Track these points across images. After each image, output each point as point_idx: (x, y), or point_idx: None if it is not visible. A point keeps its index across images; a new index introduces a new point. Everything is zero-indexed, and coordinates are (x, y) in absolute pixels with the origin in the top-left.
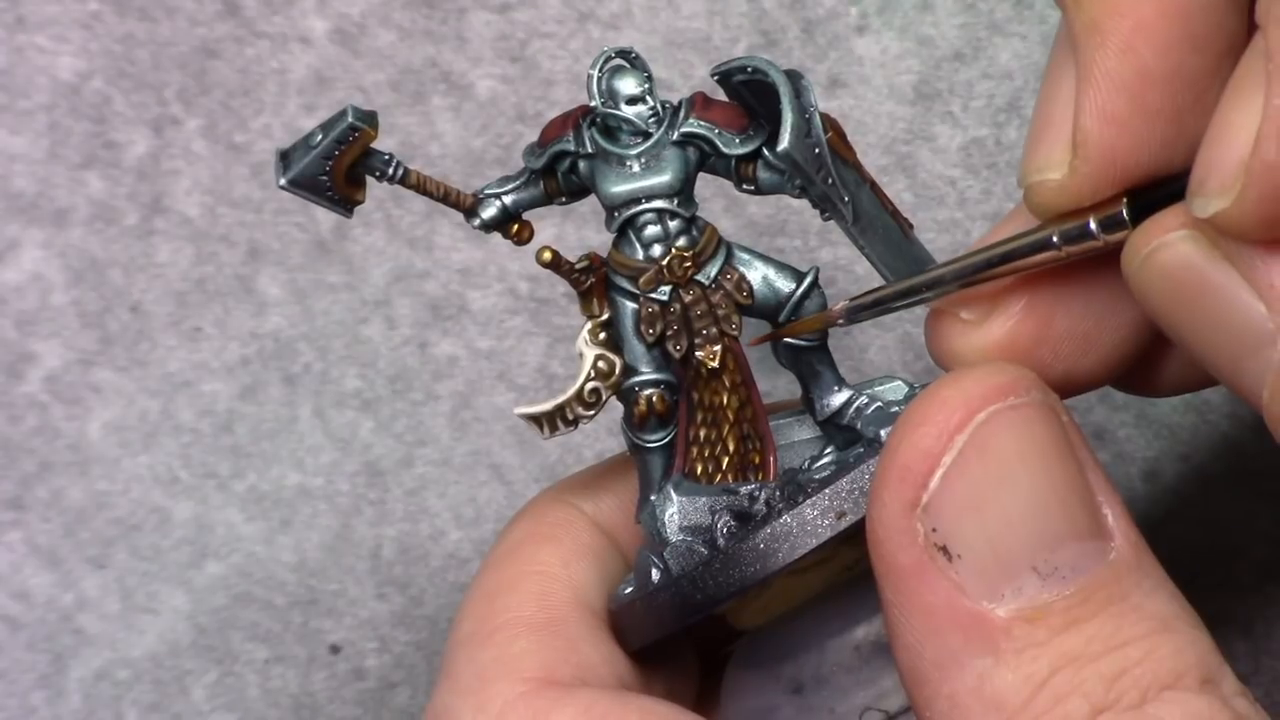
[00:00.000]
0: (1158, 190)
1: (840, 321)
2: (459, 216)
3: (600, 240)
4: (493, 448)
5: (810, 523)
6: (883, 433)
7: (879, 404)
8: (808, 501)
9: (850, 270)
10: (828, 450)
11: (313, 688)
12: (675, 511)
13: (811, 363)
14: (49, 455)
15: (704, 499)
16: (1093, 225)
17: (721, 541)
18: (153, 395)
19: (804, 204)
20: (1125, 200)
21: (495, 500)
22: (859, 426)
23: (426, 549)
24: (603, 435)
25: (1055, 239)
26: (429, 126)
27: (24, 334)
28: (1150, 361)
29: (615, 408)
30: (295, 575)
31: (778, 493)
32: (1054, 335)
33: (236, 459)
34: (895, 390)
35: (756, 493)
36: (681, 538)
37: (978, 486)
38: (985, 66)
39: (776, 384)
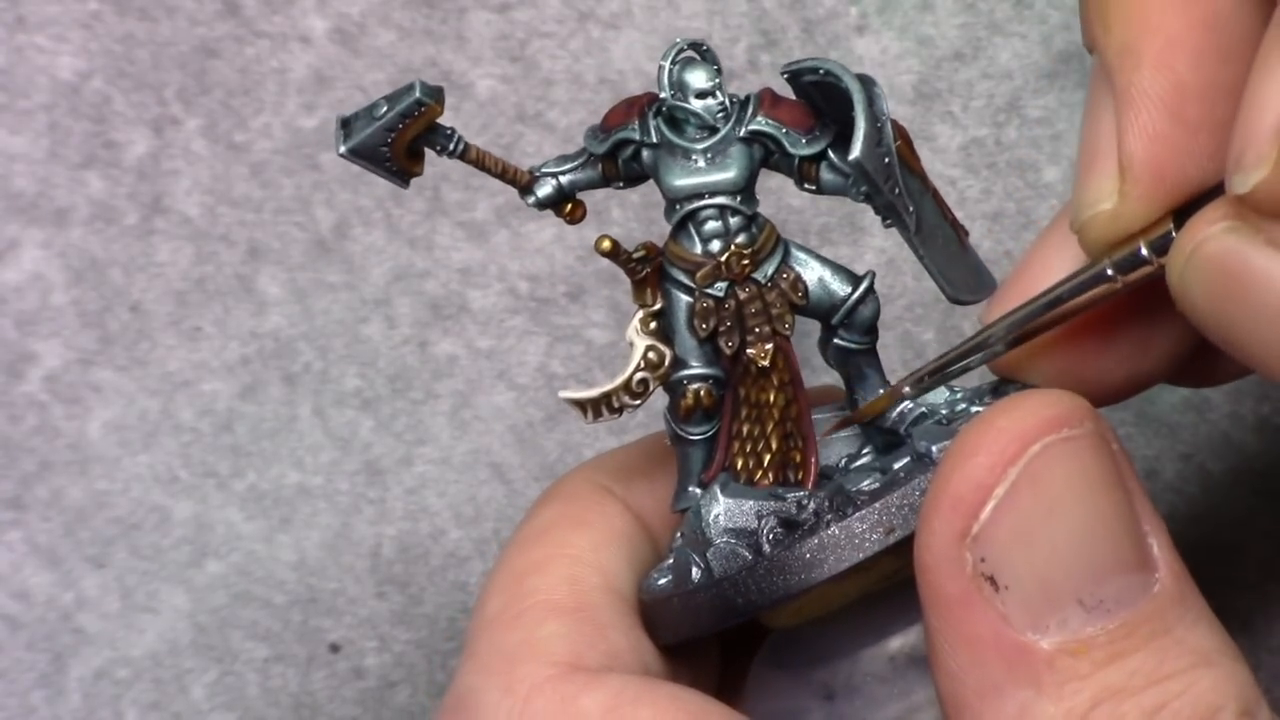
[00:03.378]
0: (1202, 203)
1: (906, 390)
2: (460, 215)
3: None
4: (493, 447)
5: (858, 536)
6: (934, 448)
7: (923, 409)
8: (857, 515)
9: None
10: (865, 450)
11: (312, 687)
12: (721, 512)
13: (860, 365)
14: (49, 455)
15: (751, 502)
16: (1144, 249)
17: (767, 547)
18: (153, 395)
19: (804, 203)
20: (1173, 219)
21: (495, 499)
22: (902, 431)
23: (426, 548)
24: (602, 434)
25: (1110, 271)
26: None
27: (24, 334)
28: (1207, 352)
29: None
30: (295, 574)
31: (827, 502)
32: (1117, 339)
33: (236, 458)
34: (936, 394)
35: (805, 500)
36: (726, 540)
37: (1028, 519)
38: (985, 66)
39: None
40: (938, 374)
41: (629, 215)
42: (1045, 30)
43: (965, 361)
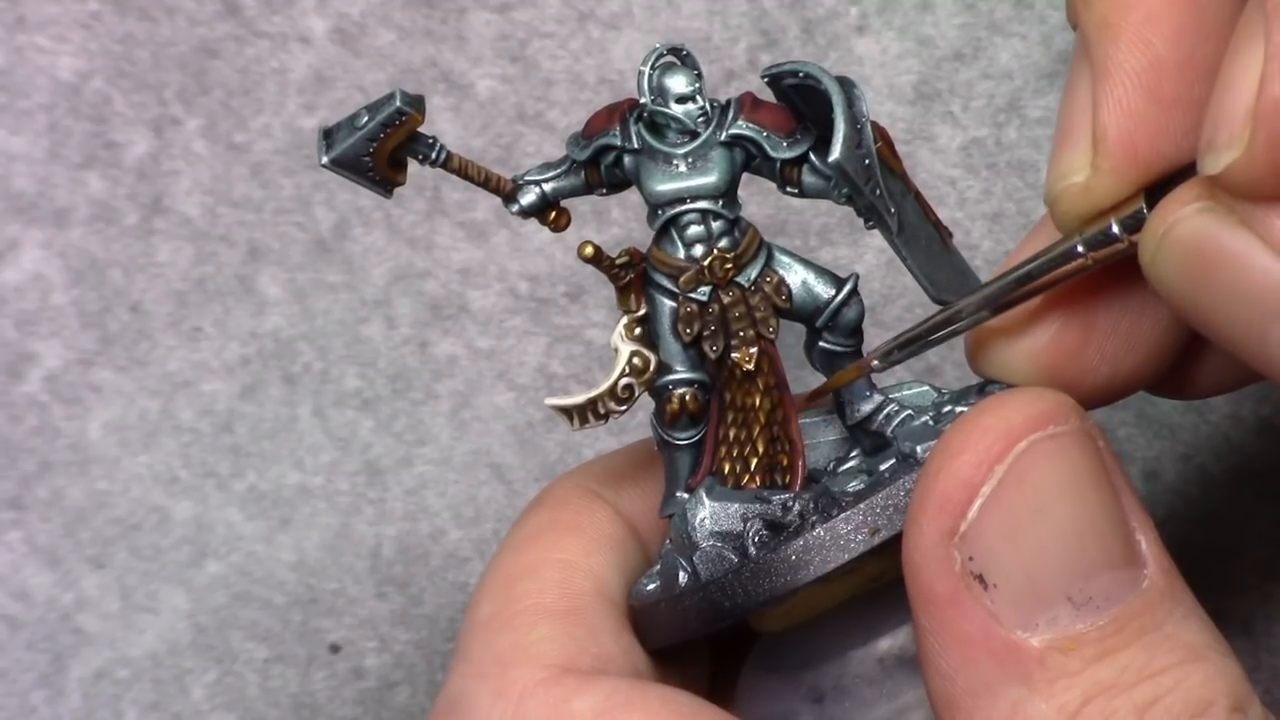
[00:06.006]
0: (1175, 183)
1: (875, 363)
2: (460, 215)
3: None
4: (493, 447)
5: (843, 537)
6: (919, 449)
7: (909, 411)
8: (842, 515)
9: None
10: (853, 454)
11: (312, 687)
12: (707, 516)
13: (845, 368)
14: (49, 455)
15: (736, 505)
16: (1115, 227)
17: (752, 550)
18: (153, 395)
19: (804, 204)
20: (1144, 196)
21: (495, 500)
22: (888, 433)
23: (426, 548)
24: (602, 435)
25: (1080, 248)
26: (429, 126)
27: (24, 334)
28: (1188, 362)
29: (644, 402)
30: (295, 574)
31: (812, 504)
32: (1097, 336)
33: (236, 458)
34: (922, 396)
35: (790, 503)
36: (712, 543)
37: (1015, 516)
38: (985, 66)
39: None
40: (907, 347)
41: (629, 215)
42: (1045, 30)
43: (935, 335)
